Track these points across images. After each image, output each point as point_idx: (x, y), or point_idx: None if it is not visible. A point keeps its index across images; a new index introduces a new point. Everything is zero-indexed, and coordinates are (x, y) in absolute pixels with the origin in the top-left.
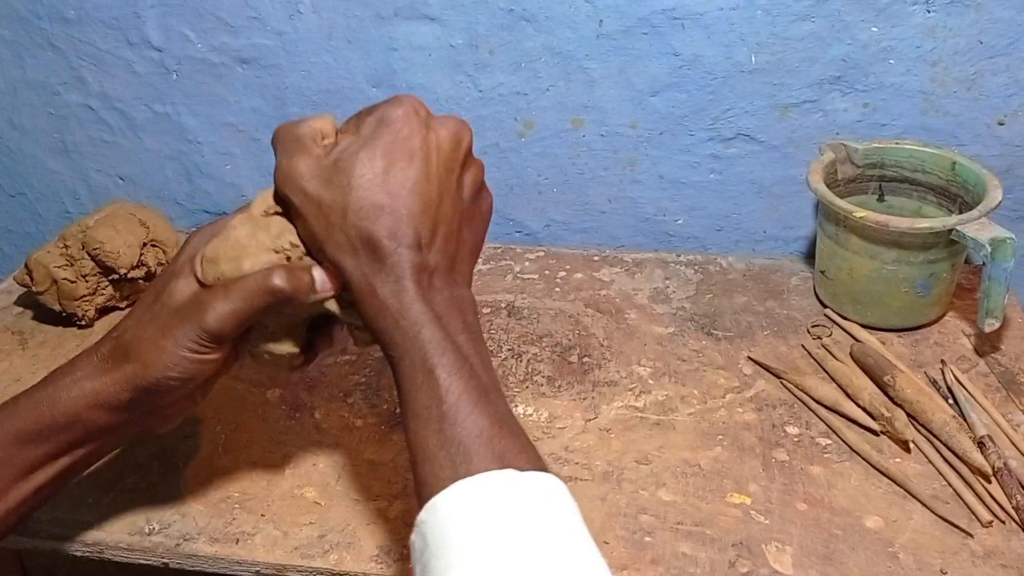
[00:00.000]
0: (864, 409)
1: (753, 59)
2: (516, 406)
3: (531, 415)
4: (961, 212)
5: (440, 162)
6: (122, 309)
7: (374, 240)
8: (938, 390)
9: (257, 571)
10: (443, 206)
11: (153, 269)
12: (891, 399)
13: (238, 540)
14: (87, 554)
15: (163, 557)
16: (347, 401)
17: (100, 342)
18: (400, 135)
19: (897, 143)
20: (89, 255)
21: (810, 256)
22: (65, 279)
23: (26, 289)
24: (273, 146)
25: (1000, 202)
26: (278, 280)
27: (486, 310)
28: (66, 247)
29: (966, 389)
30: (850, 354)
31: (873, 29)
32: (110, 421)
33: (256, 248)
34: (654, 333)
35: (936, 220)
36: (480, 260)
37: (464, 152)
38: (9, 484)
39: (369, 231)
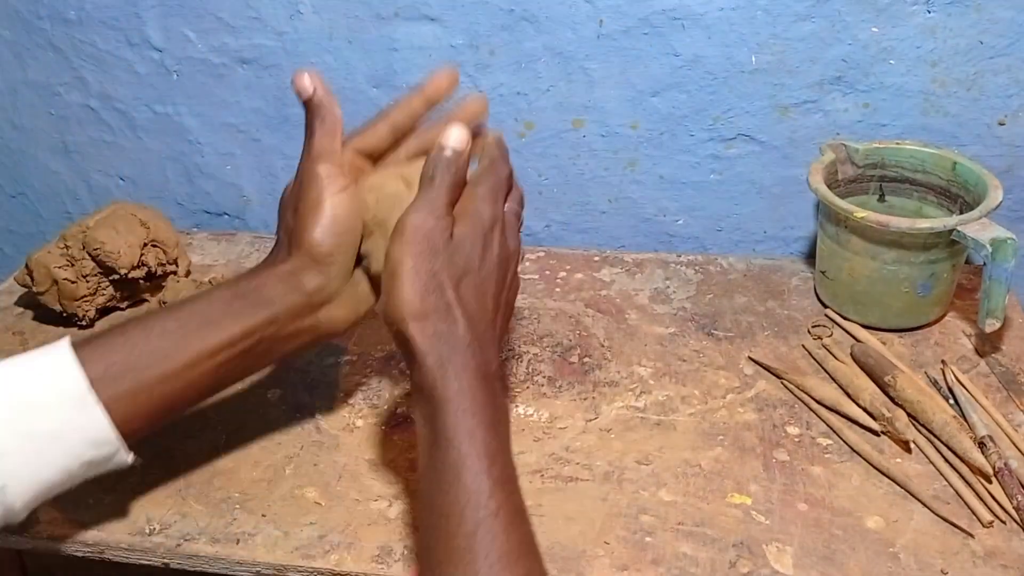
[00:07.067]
0: (865, 409)
1: (753, 59)
2: (517, 406)
3: (531, 415)
4: (962, 212)
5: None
6: (122, 309)
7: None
8: (939, 390)
9: (258, 571)
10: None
11: (153, 269)
12: (892, 399)
13: (239, 540)
14: (87, 554)
15: (163, 557)
16: (348, 401)
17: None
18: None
19: (897, 143)
20: (90, 255)
21: (810, 256)
22: (66, 279)
23: (27, 289)
24: None
25: (1000, 202)
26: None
27: None
28: (67, 247)
29: (967, 389)
30: (851, 354)
31: (873, 29)
32: (294, 302)
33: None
34: (655, 333)
35: (936, 220)
36: None
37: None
38: (195, 359)
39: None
